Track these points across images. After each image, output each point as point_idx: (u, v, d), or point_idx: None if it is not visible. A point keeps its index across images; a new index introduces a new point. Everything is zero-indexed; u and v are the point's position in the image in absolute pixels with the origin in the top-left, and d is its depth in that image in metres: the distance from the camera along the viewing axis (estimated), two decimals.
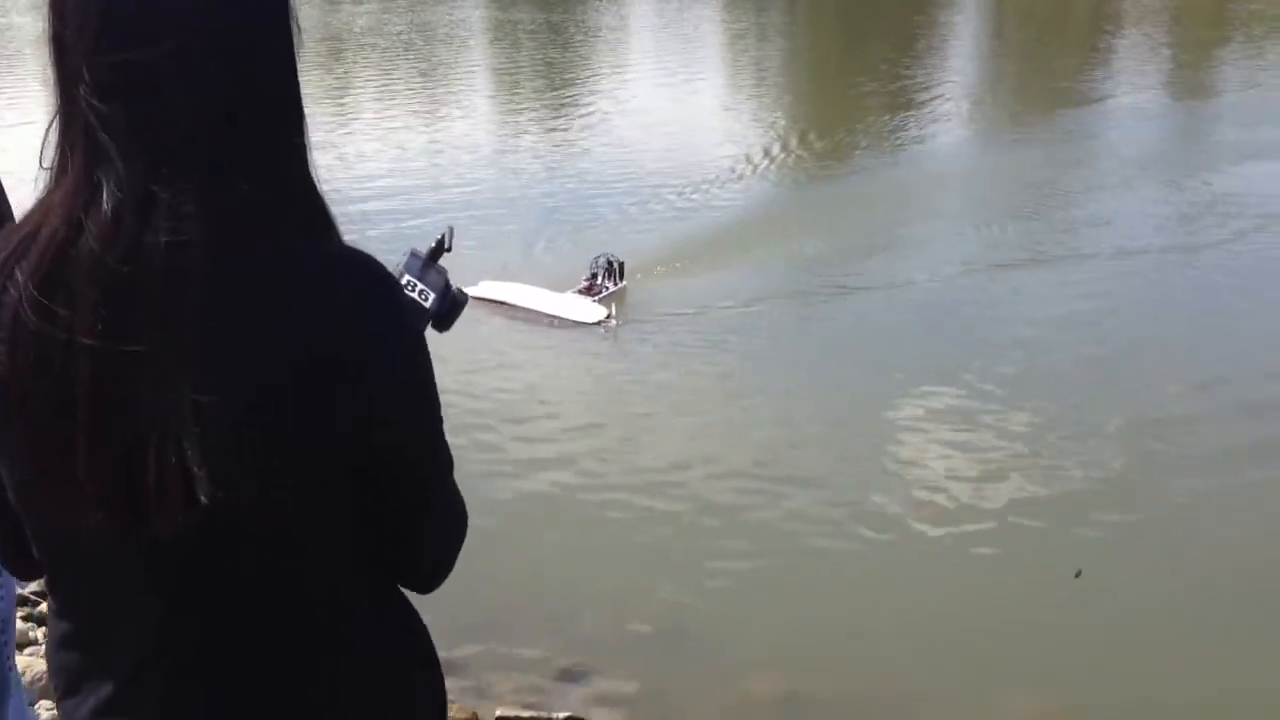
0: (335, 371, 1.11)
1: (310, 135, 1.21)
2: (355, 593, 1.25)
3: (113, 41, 1.07)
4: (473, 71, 20.58)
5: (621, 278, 9.04)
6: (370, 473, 1.19)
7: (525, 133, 15.11)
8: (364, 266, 1.17)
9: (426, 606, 1.36)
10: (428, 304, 1.57)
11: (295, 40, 1.17)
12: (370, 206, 10.72)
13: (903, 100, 17.29)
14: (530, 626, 4.90)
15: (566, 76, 19.91)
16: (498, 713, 4.30)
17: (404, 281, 1.55)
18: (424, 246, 1.64)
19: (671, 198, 11.69)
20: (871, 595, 5.23)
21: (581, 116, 16.19)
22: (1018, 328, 8.29)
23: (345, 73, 20.54)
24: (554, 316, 8.49)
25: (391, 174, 12.56)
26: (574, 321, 8.40)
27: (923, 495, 5.98)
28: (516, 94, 18.42)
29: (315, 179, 1.21)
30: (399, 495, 1.23)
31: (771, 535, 5.65)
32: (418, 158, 13.37)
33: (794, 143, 14.54)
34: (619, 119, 15.96)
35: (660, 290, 9.06)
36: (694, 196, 11.79)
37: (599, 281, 8.96)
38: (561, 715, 4.30)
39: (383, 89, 18.44)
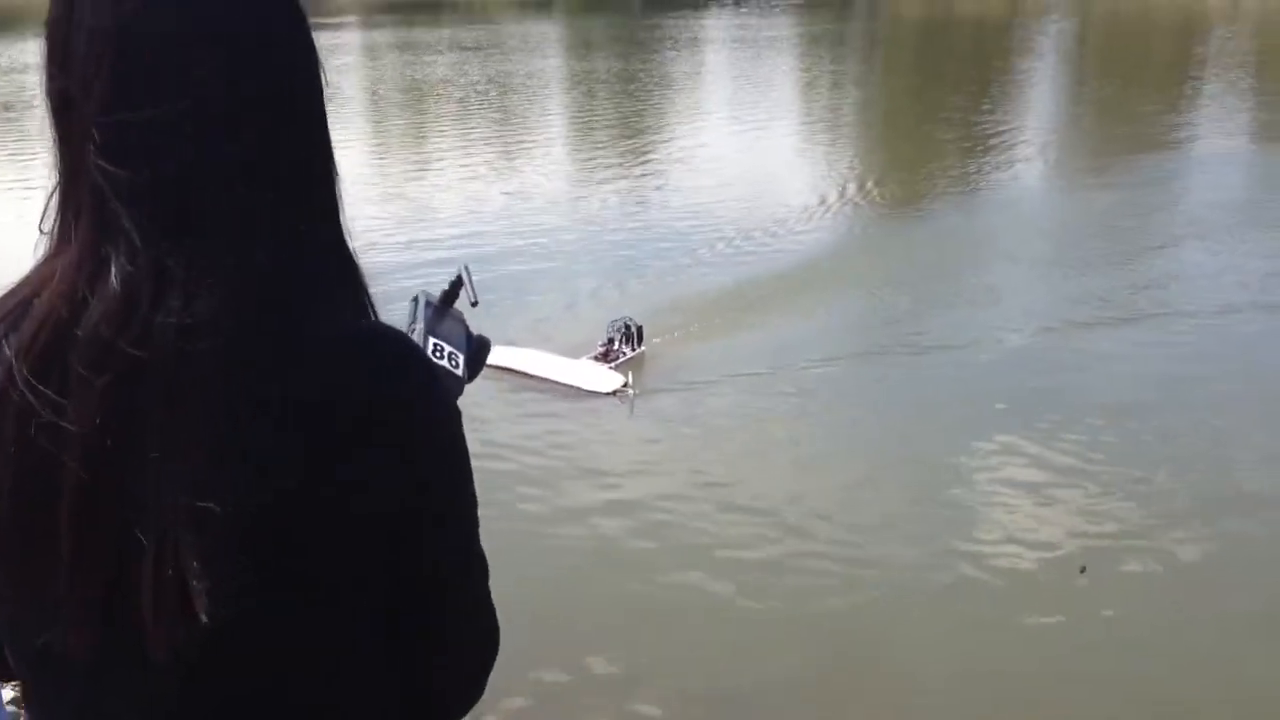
0: (341, 453, 0.99)
1: (343, 198, 1.09)
2: (362, 710, 1.10)
3: (127, 98, 0.97)
4: (548, 121, 20.75)
5: (640, 343, 8.59)
6: (379, 570, 1.05)
7: (593, 184, 15.14)
8: (392, 342, 1.06)
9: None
10: (458, 370, 1.39)
11: (324, 95, 1.07)
12: (426, 257, 10.78)
13: (980, 148, 17.04)
14: (580, 703, 4.74)
15: (639, 126, 19.98)
16: None
17: (430, 347, 1.37)
18: (436, 291, 1.46)
19: (723, 254, 11.51)
20: (942, 667, 5.00)
21: (651, 168, 16.19)
22: (1099, 392, 7.86)
23: (422, 122, 20.86)
24: (568, 385, 8.02)
25: (458, 226, 12.65)
26: (588, 390, 7.95)
27: (991, 574, 5.70)
28: (590, 145, 18.51)
29: (349, 246, 1.09)
30: (410, 596, 1.08)
31: (827, 618, 5.43)
32: (486, 211, 13.40)
33: (864, 194, 14.36)
34: (688, 170, 15.93)
35: (695, 353, 8.69)
36: (751, 251, 11.60)
37: (616, 347, 8.51)
38: None
39: (460, 138, 18.67)
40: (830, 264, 11.13)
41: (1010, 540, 5.93)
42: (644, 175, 15.62)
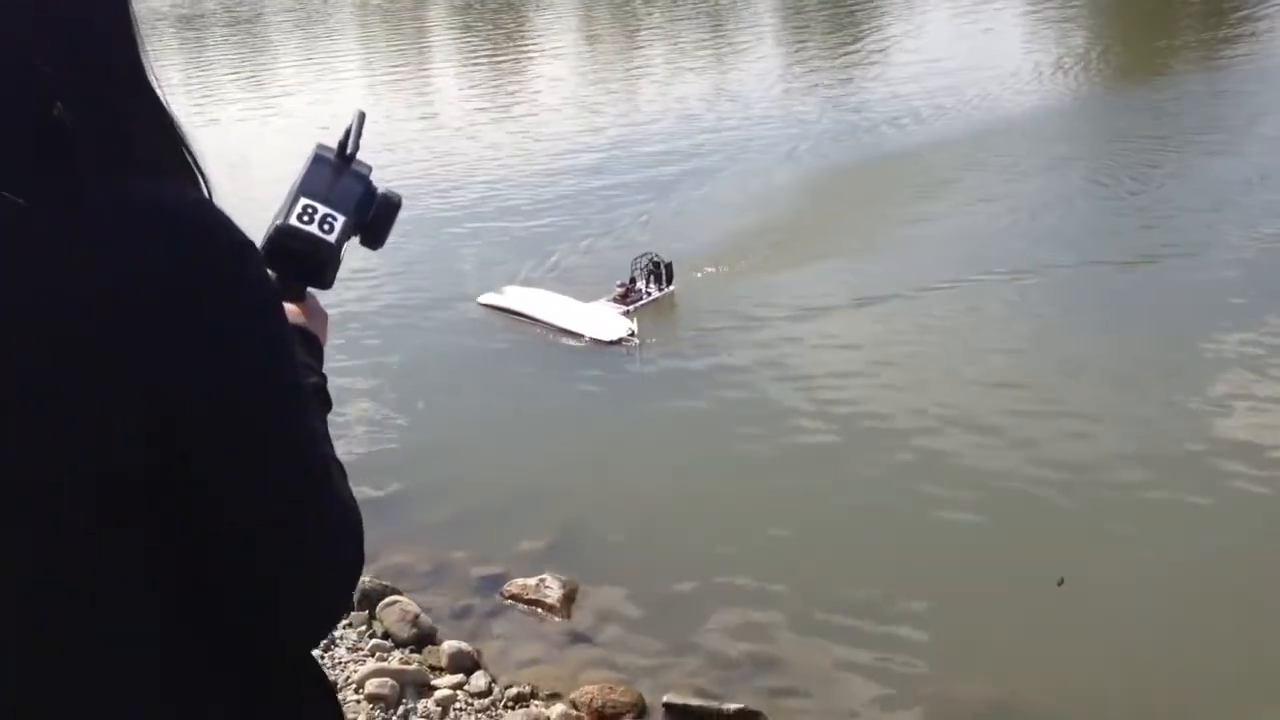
0: (128, 344, 0.87)
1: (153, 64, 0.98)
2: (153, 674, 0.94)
3: None
4: (758, 12, 20.05)
5: (669, 281, 7.66)
6: (174, 505, 0.91)
7: (795, 80, 14.48)
8: (189, 213, 0.94)
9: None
10: (331, 235, 1.24)
11: None
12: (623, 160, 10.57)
13: (1232, 18, 15.30)
14: (710, 611, 4.53)
15: (854, 12, 19.01)
16: (665, 699, 3.99)
17: (299, 209, 1.24)
18: (334, 143, 1.31)
19: (896, 135, 10.76)
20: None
21: (855, 57, 15.36)
22: None
23: (634, 21, 20.55)
24: (568, 332, 7.21)
25: (631, 133, 12.38)
26: (590, 339, 7.12)
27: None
28: (800, 40, 17.74)
29: (169, 113, 0.99)
30: (219, 536, 0.94)
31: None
32: (656, 113, 13.05)
33: (1089, 66, 13.18)
34: (895, 57, 15.04)
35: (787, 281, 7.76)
36: (934, 128, 10.80)
37: (638, 286, 7.61)
38: (733, 707, 3.93)
39: (668, 40, 18.29)
40: (1039, 143, 10.23)
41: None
42: (840, 74, 14.84)
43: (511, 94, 14.70)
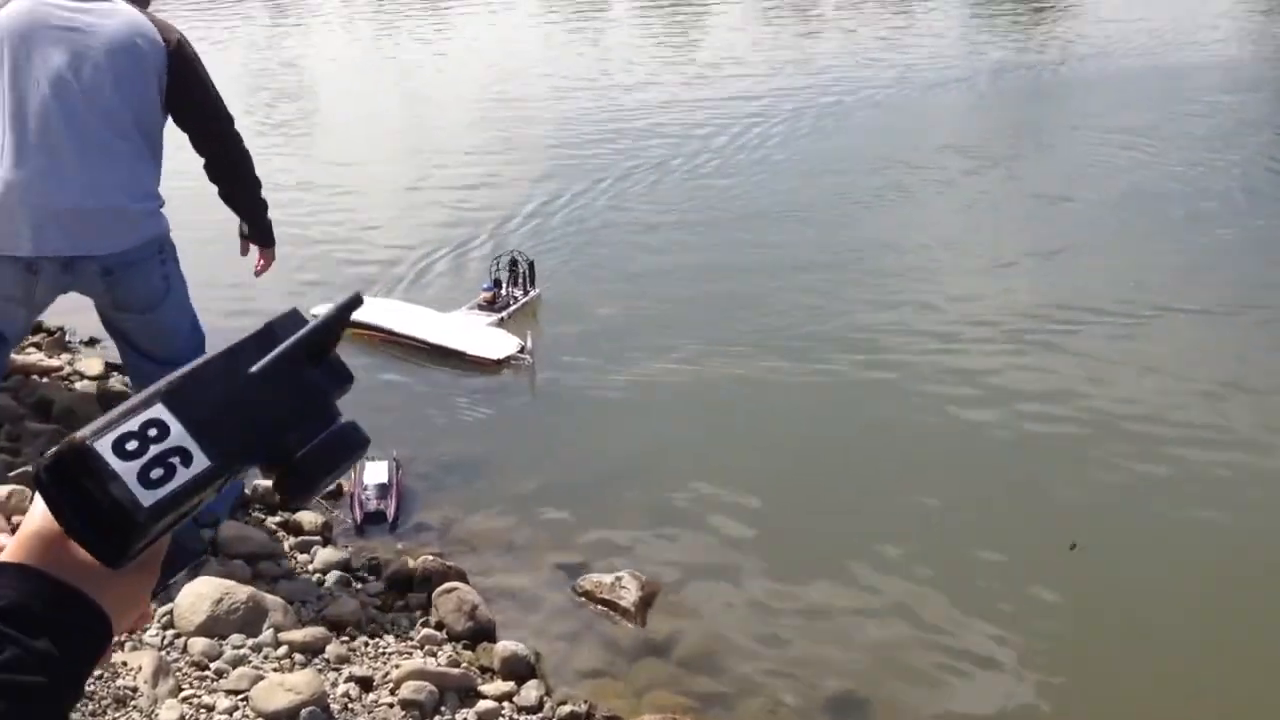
0: None
1: None
2: None
3: None
4: None
5: (533, 283, 6.62)
6: None
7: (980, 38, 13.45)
8: None
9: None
10: (158, 491, 0.69)
11: None
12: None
13: None
14: (803, 634, 4.00)
15: None
16: None
17: (129, 427, 0.70)
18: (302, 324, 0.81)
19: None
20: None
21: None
22: None
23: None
24: (441, 349, 5.96)
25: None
26: (472, 357, 5.87)
27: None
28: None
29: None
30: None
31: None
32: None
33: None
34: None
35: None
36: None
37: (504, 291, 6.52)
38: None
39: None
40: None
41: None
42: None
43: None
